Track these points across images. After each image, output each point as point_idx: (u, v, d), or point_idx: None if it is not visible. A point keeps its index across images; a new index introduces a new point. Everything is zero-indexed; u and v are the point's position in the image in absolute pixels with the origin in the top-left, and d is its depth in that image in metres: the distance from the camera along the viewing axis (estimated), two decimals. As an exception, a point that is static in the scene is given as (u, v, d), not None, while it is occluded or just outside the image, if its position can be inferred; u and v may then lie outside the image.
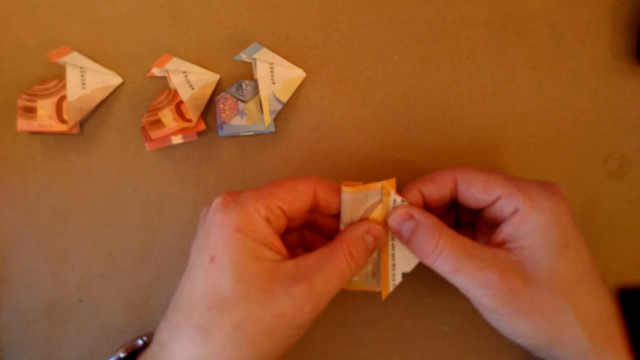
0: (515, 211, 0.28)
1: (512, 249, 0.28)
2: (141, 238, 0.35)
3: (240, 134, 0.34)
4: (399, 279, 0.31)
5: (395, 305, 0.36)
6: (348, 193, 0.29)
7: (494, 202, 0.29)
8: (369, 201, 0.30)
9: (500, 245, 0.29)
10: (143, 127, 0.34)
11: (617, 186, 0.37)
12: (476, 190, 0.29)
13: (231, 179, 0.35)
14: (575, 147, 0.37)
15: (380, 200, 0.30)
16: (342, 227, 0.31)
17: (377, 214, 0.30)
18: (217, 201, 0.28)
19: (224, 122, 0.34)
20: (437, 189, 0.30)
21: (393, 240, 0.31)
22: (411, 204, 0.30)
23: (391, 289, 0.31)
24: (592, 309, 0.28)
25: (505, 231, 0.28)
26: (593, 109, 0.37)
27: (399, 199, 0.30)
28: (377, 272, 0.32)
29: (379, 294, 0.36)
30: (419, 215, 0.29)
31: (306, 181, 0.29)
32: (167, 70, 0.34)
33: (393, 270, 0.31)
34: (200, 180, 0.35)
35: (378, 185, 0.30)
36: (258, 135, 0.35)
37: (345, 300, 0.36)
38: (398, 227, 0.30)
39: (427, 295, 0.36)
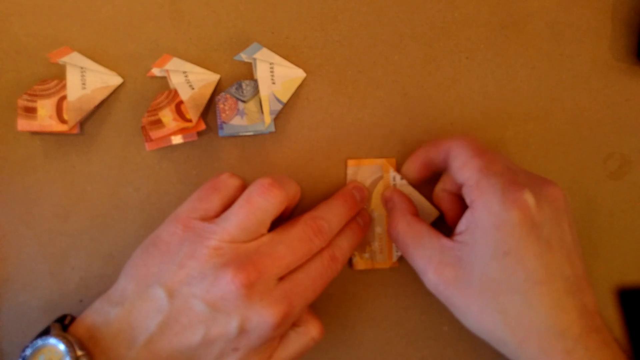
0: (470, 204, 0.29)
1: (458, 242, 0.29)
2: (141, 238, 0.35)
3: (240, 134, 0.34)
4: None
5: (395, 306, 0.36)
6: (352, 166, 0.35)
7: (461, 187, 0.30)
8: (371, 176, 0.35)
9: (456, 234, 0.30)
10: (143, 127, 0.34)
11: (617, 186, 0.37)
12: (454, 166, 0.30)
13: (231, 179, 0.35)
14: (575, 147, 0.37)
15: (382, 177, 0.35)
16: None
17: (380, 187, 0.35)
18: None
19: (224, 122, 0.34)
20: (437, 152, 0.32)
21: None
22: (417, 167, 0.34)
23: (395, 259, 0.36)
24: (525, 320, 0.27)
25: (461, 221, 0.29)
26: (593, 109, 0.37)
27: (398, 176, 0.35)
28: (384, 248, 0.35)
29: (379, 293, 0.36)
30: (397, 198, 0.34)
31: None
32: (167, 70, 0.34)
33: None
34: (200, 180, 0.35)
35: (379, 161, 0.35)
36: (258, 135, 0.35)
37: (345, 300, 0.36)
38: (384, 204, 0.35)
39: (427, 295, 0.36)
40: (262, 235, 0.29)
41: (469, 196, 0.29)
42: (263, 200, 0.29)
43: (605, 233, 0.37)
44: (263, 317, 0.27)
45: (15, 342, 0.35)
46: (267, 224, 0.29)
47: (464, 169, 0.29)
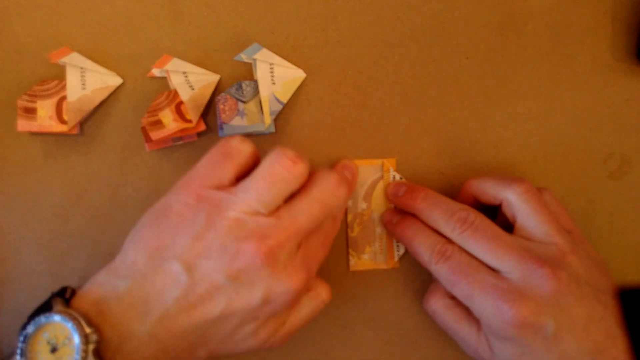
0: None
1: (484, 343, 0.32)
2: (141, 238, 0.35)
3: (241, 134, 0.34)
4: (402, 249, 0.36)
5: (395, 306, 0.36)
6: None
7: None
8: (371, 176, 0.35)
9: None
10: (143, 128, 0.34)
11: (617, 186, 0.37)
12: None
13: (231, 179, 0.35)
14: (575, 147, 0.37)
15: (382, 177, 0.35)
16: (348, 202, 0.35)
17: (380, 187, 0.35)
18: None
19: (224, 123, 0.34)
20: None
21: None
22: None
23: (396, 259, 0.36)
24: None
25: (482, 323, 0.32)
26: (593, 109, 0.37)
27: (397, 175, 0.35)
28: (384, 249, 0.35)
29: (379, 293, 0.36)
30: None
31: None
32: (167, 71, 0.34)
33: (397, 242, 0.36)
34: (200, 181, 0.35)
35: (378, 161, 0.35)
36: (258, 136, 0.35)
37: (345, 301, 0.36)
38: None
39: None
40: (281, 206, 0.28)
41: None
42: (287, 174, 0.28)
43: (605, 233, 0.37)
44: (287, 285, 0.27)
45: (16, 342, 0.35)
46: (287, 196, 0.28)
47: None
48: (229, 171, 0.29)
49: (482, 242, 0.30)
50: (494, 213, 0.34)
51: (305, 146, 0.36)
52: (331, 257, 0.36)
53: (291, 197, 0.29)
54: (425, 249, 0.32)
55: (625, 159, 0.37)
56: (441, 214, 0.31)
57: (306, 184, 0.29)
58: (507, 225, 0.32)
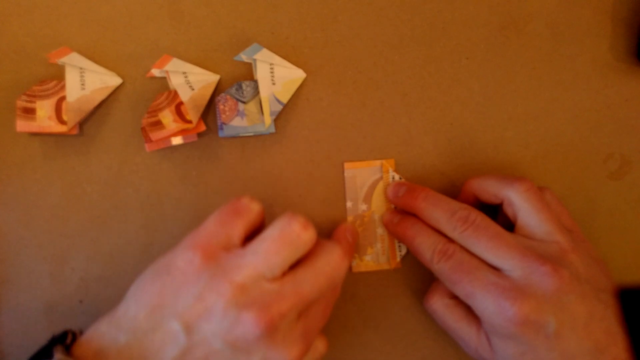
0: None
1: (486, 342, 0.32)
2: (141, 239, 0.35)
3: (241, 134, 0.34)
4: (404, 249, 0.36)
5: (395, 306, 0.36)
6: (350, 169, 0.35)
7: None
8: (370, 177, 0.35)
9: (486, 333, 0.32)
10: (143, 129, 0.34)
11: (617, 186, 0.37)
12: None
13: (231, 179, 0.35)
14: (575, 147, 0.37)
15: (381, 178, 0.35)
16: (348, 203, 0.36)
17: (380, 188, 0.35)
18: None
19: (224, 123, 0.34)
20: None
21: None
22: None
23: (398, 258, 0.36)
24: None
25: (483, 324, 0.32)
26: (593, 109, 0.37)
27: (397, 176, 0.35)
28: (386, 249, 0.36)
29: (379, 293, 0.36)
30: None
31: None
32: (167, 71, 0.34)
33: (399, 242, 0.36)
34: (200, 181, 0.35)
35: (377, 163, 0.35)
36: (258, 136, 0.35)
37: (345, 301, 0.36)
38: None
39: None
40: (286, 273, 0.28)
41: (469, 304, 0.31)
42: (297, 239, 0.28)
43: (605, 233, 0.37)
44: (285, 356, 0.26)
45: (15, 342, 0.35)
46: (294, 262, 0.28)
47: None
48: (239, 229, 0.28)
49: (483, 241, 0.30)
50: (495, 212, 0.34)
51: (305, 146, 0.36)
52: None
53: (296, 264, 0.28)
54: (426, 248, 0.32)
55: (625, 159, 0.37)
56: (442, 213, 0.31)
57: (311, 252, 0.29)
58: (508, 224, 0.32)
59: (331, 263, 0.29)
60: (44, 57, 0.34)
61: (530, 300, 0.28)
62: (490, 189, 0.33)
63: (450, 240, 0.31)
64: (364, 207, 0.35)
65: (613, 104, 0.37)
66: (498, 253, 0.30)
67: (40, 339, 0.35)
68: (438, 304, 0.33)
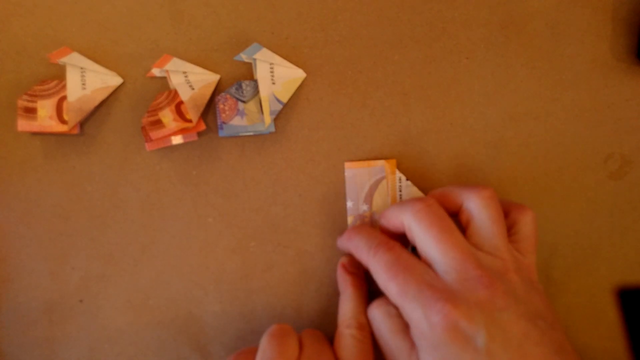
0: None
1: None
2: (141, 238, 0.35)
3: (240, 134, 0.34)
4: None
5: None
6: (350, 168, 0.35)
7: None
8: (372, 178, 0.35)
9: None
10: (143, 128, 0.34)
11: (617, 186, 0.37)
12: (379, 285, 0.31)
13: (231, 179, 0.35)
14: (575, 147, 0.37)
15: (384, 177, 0.35)
16: (348, 203, 0.35)
17: (382, 188, 0.35)
18: None
19: (224, 123, 0.34)
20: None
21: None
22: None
23: None
24: None
25: (412, 334, 0.30)
26: (593, 109, 0.37)
27: (403, 177, 0.35)
28: None
29: (379, 293, 0.36)
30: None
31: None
32: (167, 71, 0.34)
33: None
34: (200, 181, 0.35)
35: (379, 163, 0.35)
36: (258, 136, 0.35)
37: (345, 301, 0.36)
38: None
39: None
40: None
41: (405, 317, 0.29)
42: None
43: (605, 233, 0.37)
44: None
45: (15, 342, 0.35)
46: None
47: (387, 297, 0.30)
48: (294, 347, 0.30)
49: (433, 231, 0.28)
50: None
51: (305, 146, 0.36)
52: (333, 260, 0.36)
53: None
54: (365, 242, 0.31)
55: (625, 159, 0.37)
56: (401, 203, 0.31)
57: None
58: (461, 228, 0.31)
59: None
60: (45, 57, 0.34)
61: (462, 306, 0.26)
62: (451, 194, 0.31)
63: (391, 239, 0.31)
64: (364, 207, 0.35)
65: (613, 103, 0.37)
66: (442, 248, 0.28)
67: (41, 338, 0.35)
68: (381, 309, 0.31)
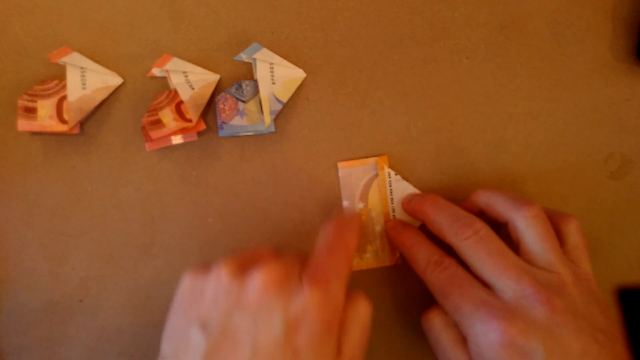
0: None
1: None
2: (141, 238, 0.35)
3: (240, 134, 0.34)
4: None
5: (395, 305, 0.36)
6: (344, 168, 0.35)
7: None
8: (365, 176, 0.35)
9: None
10: (143, 127, 0.34)
11: (617, 186, 0.37)
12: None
13: (231, 179, 0.35)
14: (575, 147, 0.37)
15: (377, 175, 0.35)
16: (344, 203, 0.35)
17: (375, 186, 0.35)
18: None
19: (224, 122, 0.34)
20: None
21: (394, 212, 0.35)
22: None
23: (398, 254, 0.36)
24: None
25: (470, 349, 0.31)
26: (593, 109, 0.37)
27: (392, 172, 0.35)
28: (385, 246, 0.36)
29: (379, 293, 0.36)
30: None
31: None
32: (167, 71, 0.34)
33: (398, 250, 0.35)
34: (200, 181, 0.35)
35: (371, 160, 0.35)
36: (258, 135, 0.35)
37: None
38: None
39: (427, 295, 0.36)
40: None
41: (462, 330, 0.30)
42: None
43: (605, 233, 0.37)
44: (305, 297, 0.25)
45: (15, 342, 0.35)
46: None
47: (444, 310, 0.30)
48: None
49: (482, 254, 0.29)
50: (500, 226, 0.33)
51: (305, 145, 0.36)
52: (331, 257, 0.36)
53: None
54: (422, 257, 0.31)
55: (625, 159, 0.37)
56: (446, 218, 0.31)
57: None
58: (513, 244, 0.31)
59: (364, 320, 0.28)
60: (45, 57, 0.34)
61: (519, 323, 0.27)
62: (497, 207, 0.32)
63: (446, 254, 0.31)
64: (360, 205, 0.36)
65: (613, 104, 0.37)
66: (495, 270, 0.29)
67: (41, 338, 0.35)
68: (437, 319, 0.31)
